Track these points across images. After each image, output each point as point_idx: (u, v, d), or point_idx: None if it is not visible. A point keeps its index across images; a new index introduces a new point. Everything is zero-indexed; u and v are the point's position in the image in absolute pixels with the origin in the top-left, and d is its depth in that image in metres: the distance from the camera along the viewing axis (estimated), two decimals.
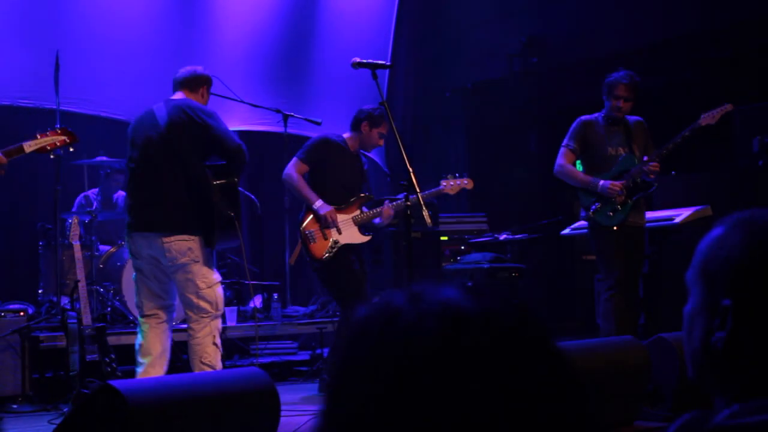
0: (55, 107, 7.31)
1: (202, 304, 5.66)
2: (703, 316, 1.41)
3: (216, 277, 5.77)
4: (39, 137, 5.21)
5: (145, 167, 5.71)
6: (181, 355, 7.16)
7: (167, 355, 5.79)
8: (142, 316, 5.79)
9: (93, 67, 8.84)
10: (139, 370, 5.65)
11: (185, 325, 6.01)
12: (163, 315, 5.80)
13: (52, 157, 5.37)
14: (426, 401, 0.87)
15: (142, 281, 5.81)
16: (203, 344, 5.64)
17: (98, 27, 8.87)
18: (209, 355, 5.63)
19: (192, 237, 5.61)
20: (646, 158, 6.56)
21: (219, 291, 5.75)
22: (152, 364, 5.64)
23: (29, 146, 5.16)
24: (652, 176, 6.57)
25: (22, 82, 8.42)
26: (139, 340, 5.75)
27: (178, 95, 5.98)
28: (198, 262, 5.62)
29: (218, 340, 5.74)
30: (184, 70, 6.15)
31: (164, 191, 5.63)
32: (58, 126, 5.57)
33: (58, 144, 5.27)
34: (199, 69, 6.17)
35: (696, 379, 1.45)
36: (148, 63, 9.23)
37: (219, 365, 5.69)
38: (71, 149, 5.43)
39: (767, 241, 1.36)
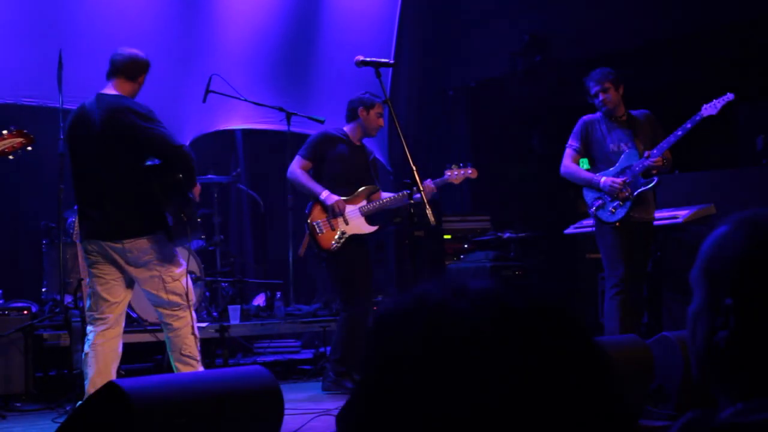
0: (58, 105, 7.32)
1: (172, 297, 5.53)
2: (707, 316, 1.41)
3: (181, 269, 5.60)
4: None
5: (85, 174, 5.55)
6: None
7: (117, 363, 5.57)
8: (92, 320, 5.54)
9: (96, 66, 8.81)
10: (86, 384, 5.44)
11: (158, 327, 5.89)
12: (114, 319, 5.58)
13: (11, 158, 5.21)
14: (481, 393, 0.88)
15: (96, 286, 5.56)
16: (182, 335, 5.52)
17: (101, 26, 8.87)
18: (189, 347, 5.51)
19: (146, 237, 5.45)
20: (647, 153, 6.56)
21: (186, 281, 5.59)
22: (98, 374, 5.39)
23: None
24: (654, 171, 6.58)
25: (25, 81, 8.42)
26: (86, 348, 5.51)
27: (111, 86, 5.74)
28: (159, 258, 5.48)
29: (196, 331, 5.61)
30: (124, 53, 5.88)
31: (109, 199, 5.45)
32: (14, 127, 5.42)
33: (16, 146, 5.17)
34: (141, 54, 5.92)
35: (700, 379, 1.45)
36: (152, 61, 9.21)
37: (198, 356, 5.55)
38: (29, 149, 5.30)
39: None
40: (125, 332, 7.20)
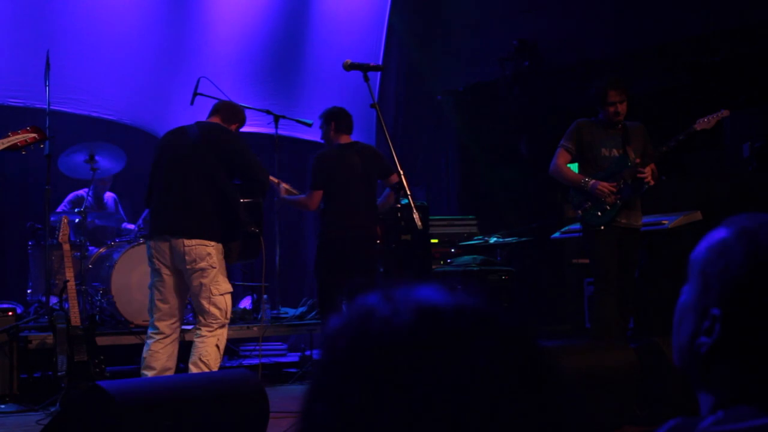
0: (45, 107, 7.30)
1: (213, 310, 5.77)
2: (694, 314, 1.42)
3: (228, 286, 5.90)
4: (11, 135, 5.23)
5: (173, 176, 5.86)
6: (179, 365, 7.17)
7: (172, 371, 5.88)
8: (152, 326, 5.88)
9: (83, 67, 8.83)
10: None
11: (190, 327, 6.14)
12: (170, 329, 5.88)
13: (23, 152, 5.36)
14: (401, 396, 0.87)
15: (157, 286, 5.89)
16: (206, 344, 5.76)
17: (89, 27, 8.86)
18: (209, 355, 5.74)
19: (213, 243, 5.75)
20: (637, 160, 6.57)
21: (229, 300, 5.89)
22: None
23: (1, 144, 5.16)
24: (645, 181, 6.56)
25: (12, 82, 8.41)
26: (144, 352, 5.85)
27: (212, 120, 6.21)
28: (215, 268, 5.76)
29: (222, 345, 5.87)
30: (222, 101, 6.52)
31: (191, 199, 5.78)
32: (29, 126, 5.57)
33: (29, 141, 5.29)
34: (238, 106, 6.51)
35: (681, 371, 1.46)
36: (139, 63, 9.23)
37: (215, 367, 5.79)
38: (41, 146, 5.45)
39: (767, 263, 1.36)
40: (110, 334, 7.23)
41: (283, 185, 7.26)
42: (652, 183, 6.55)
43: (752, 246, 1.37)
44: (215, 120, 6.17)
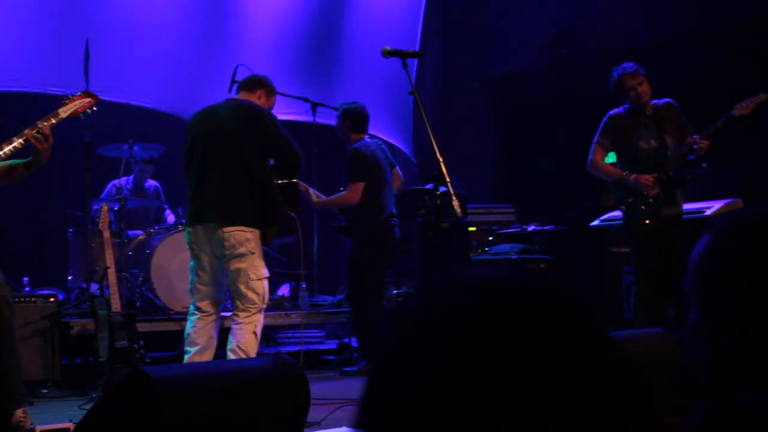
0: None
1: (251, 294, 5.80)
2: (709, 324, 1.41)
3: (265, 271, 5.92)
4: (68, 102, 5.26)
5: (208, 162, 5.86)
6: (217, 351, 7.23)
7: (213, 347, 5.93)
8: (194, 305, 5.92)
9: (122, 56, 8.88)
10: (185, 358, 5.79)
11: (229, 313, 6.18)
12: (212, 308, 5.92)
13: (82, 117, 5.41)
14: (469, 375, 0.86)
15: (197, 270, 5.93)
16: (243, 330, 5.79)
17: (128, 15, 8.91)
18: (247, 342, 5.77)
19: (251, 229, 5.77)
20: (693, 138, 6.47)
21: (266, 285, 5.92)
22: (198, 353, 5.76)
23: (64, 111, 5.20)
24: (702, 153, 6.49)
25: (52, 70, 8.47)
26: (187, 329, 5.90)
27: (240, 96, 6.17)
28: (254, 253, 5.78)
29: (258, 331, 5.88)
30: (251, 74, 6.44)
31: (227, 185, 5.78)
32: (80, 92, 5.58)
33: (86, 105, 5.31)
34: (259, 74, 6.40)
35: (709, 385, 1.45)
36: (177, 51, 9.26)
37: (253, 354, 5.81)
38: (95, 108, 5.46)
39: (757, 243, 1.37)
40: (150, 320, 7.29)
41: (312, 191, 7.28)
42: (703, 152, 6.48)
43: (738, 235, 1.40)
44: (243, 95, 6.14)
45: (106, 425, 3.46)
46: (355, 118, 7.40)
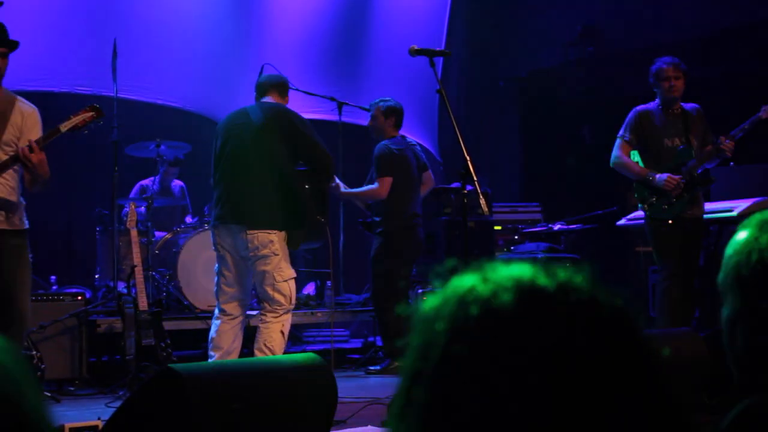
0: (113, 94, 7.40)
1: (277, 296, 5.79)
2: (744, 321, 1.40)
3: (291, 272, 5.91)
4: (72, 117, 5.32)
5: (237, 163, 5.88)
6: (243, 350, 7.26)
7: (237, 351, 5.96)
8: (219, 308, 5.93)
9: (150, 55, 8.93)
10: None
11: (255, 312, 6.21)
12: (237, 310, 5.93)
13: (85, 132, 5.45)
14: (503, 376, 0.85)
15: (222, 271, 5.94)
16: (270, 330, 5.80)
17: (155, 15, 8.95)
18: (274, 341, 5.78)
19: (275, 231, 5.77)
20: (721, 138, 6.43)
21: (293, 285, 5.91)
22: (221, 357, 5.77)
23: (64, 126, 5.25)
24: (727, 154, 6.46)
25: (81, 70, 8.52)
26: (212, 333, 5.91)
27: (269, 98, 6.12)
28: (278, 255, 5.77)
29: (286, 331, 5.90)
30: (271, 75, 6.37)
31: (254, 187, 5.79)
32: (86, 106, 5.64)
33: (87, 120, 5.36)
34: (282, 75, 6.41)
35: (743, 383, 1.44)
36: (204, 51, 9.29)
37: (280, 353, 5.80)
38: (100, 122, 5.51)
39: None
40: (176, 319, 7.32)
41: (338, 181, 7.31)
42: (728, 153, 6.46)
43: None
44: (273, 98, 6.12)
45: (135, 422, 3.48)
46: (399, 116, 7.54)
